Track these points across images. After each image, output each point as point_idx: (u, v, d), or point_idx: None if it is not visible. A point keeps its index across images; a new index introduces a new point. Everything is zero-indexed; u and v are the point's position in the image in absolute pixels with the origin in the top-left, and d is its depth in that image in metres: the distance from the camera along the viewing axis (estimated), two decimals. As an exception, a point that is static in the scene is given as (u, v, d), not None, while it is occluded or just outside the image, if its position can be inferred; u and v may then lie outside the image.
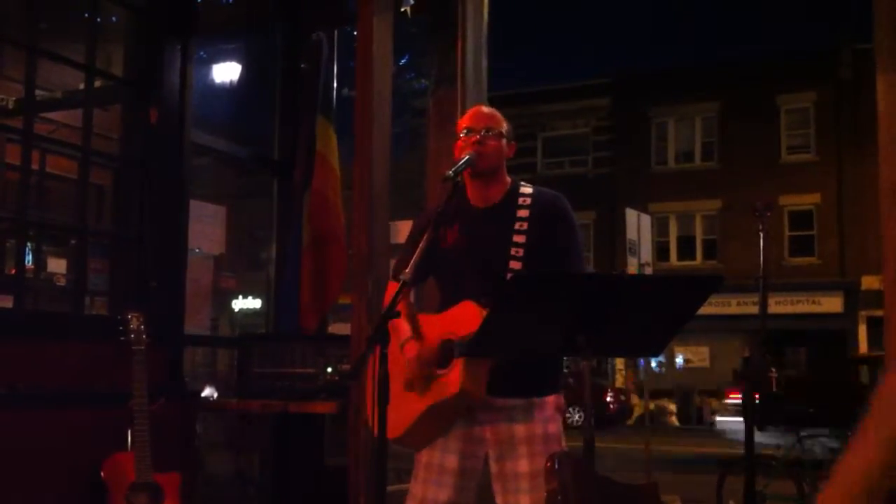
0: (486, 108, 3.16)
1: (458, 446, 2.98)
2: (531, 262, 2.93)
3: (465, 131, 3.03)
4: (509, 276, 2.89)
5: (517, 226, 2.98)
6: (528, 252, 2.94)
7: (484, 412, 2.95)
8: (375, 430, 2.66)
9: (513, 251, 2.95)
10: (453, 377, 2.80)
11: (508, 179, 3.10)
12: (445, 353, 2.86)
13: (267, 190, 6.10)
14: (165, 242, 4.85)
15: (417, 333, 2.96)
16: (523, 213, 3.00)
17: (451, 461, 2.98)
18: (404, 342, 2.96)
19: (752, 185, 25.17)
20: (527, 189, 3.08)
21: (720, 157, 28.33)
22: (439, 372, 2.86)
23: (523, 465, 2.91)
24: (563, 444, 2.98)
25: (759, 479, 5.45)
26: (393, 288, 2.95)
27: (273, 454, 5.55)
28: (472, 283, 2.91)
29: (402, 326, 2.98)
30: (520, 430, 2.93)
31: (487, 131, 3.01)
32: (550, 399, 3.00)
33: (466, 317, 2.82)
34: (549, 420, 2.97)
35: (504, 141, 3.05)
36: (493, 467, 2.99)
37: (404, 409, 2.91)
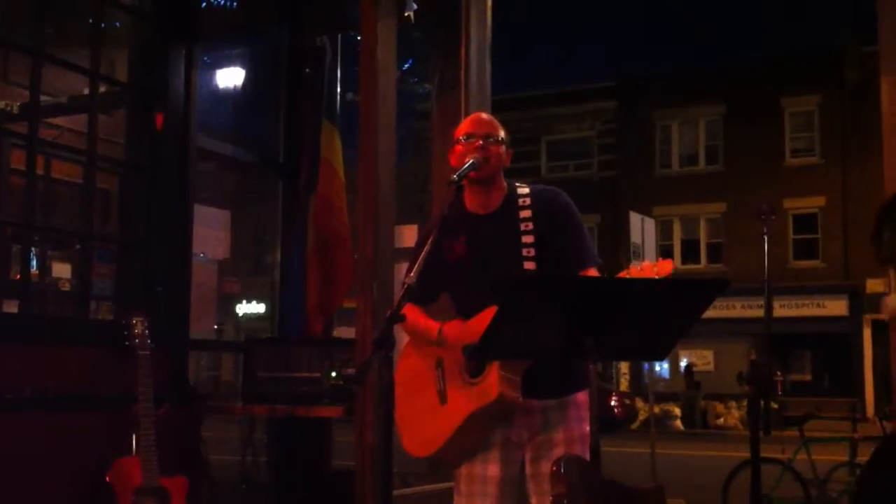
0: (485, 115, 3.18)
1: (497, 454, 2.98)
2: (544, 259, 2.94)
3: (465, 137, 3.03)
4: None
5: (523, 226, 2.98)
6: (539, 250, 2.95)
7: (520, 416, 2.95)
8: (403, 441, 2.65)
9: (524, 252, 2.95)
10: (489, 383, 2.80)
11: (505, 184, 3.10)
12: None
13: (271, 194, 6.10)
14: (170, 247, 4.86)
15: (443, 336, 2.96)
16: (526, 213, 3.00)
17: (494, 470, 2.97)
18: (439, 332, 2.95)
19: (757, 188, 25.14)
20: (524, 189, 3.08)
21: (724, 160, 28.30)
22: (474, 380, 2.85)
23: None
24: None
25: (764, 483, 5.43)
26: (409, 308, 2.86)
27: (279, 458, 5.56)
28: (487, 291, 2.90)
29: (430, 327, 2.98)
30: (558, 433, 2.95)
31: (488, 137, 3.01)
32: (582, 397, 3.01)
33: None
34: (583, 420, 2.99)
35: (503, 147, 3.05)
36: (529, 468, 3.00)
37: (440, 424, 2.91)
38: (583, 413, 2.99)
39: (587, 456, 2.64)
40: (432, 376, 2.94)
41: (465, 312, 2.98)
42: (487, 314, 2.80)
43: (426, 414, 2.86)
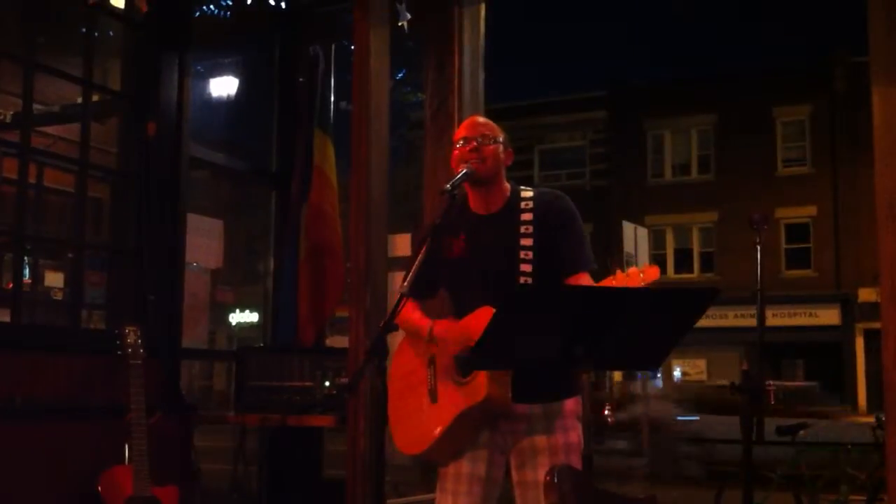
0: (480, 118, 3.17)
1: (485, 454, 2.97)
2: (541, 264, 2.93)
3: (461, 141, 3.04)
4: (521, 280, 2.90)
5: (523, 229, 2.98)
6: (537, 255, 2.95)
7: (505, 421, 2.95)
8: (395, 439, 2.65)
9: (522, 254, 2.95)
10: (479, 383, 2.80)
11: (508, 185, 3.10)
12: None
13: (264, 203, 6.10)
14: (163, 256, 4.85)
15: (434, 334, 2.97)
16: (527, 216, 3.01)
17: (481, 469, 2.97)
18: (430, 331, 2.95)
19: (749, 198, 25.22)
20: (527, 192, 3.08)
21: (716, 169, 28.41)
22: (463, 380, 2.86)
23: (544, 475, 2.90)
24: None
25: (757, 493, 5.44)
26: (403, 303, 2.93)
27: (271, 467, 5.54)
28: (484, 290, 2.90)
29: (422, 325, 2.98)
30: (541, 440, 2.94)
31: (483, 138, 3.02)
32: (570, 406, 3.00)
33: (485, 322, 2.82)
34: (569, 429, 2.97)
35: (501, 147, 3.06)
36: (515, 475, 2.99)
37: (429, 422, 2.91)
38: (568, 422, 2.98)
39: (575, 465, 2.63)
40: (424, 374, 2.94)
41: (461, 311, 2.99)
42: (479, 314, 2.82)
43: (417, 412, 2.85)
